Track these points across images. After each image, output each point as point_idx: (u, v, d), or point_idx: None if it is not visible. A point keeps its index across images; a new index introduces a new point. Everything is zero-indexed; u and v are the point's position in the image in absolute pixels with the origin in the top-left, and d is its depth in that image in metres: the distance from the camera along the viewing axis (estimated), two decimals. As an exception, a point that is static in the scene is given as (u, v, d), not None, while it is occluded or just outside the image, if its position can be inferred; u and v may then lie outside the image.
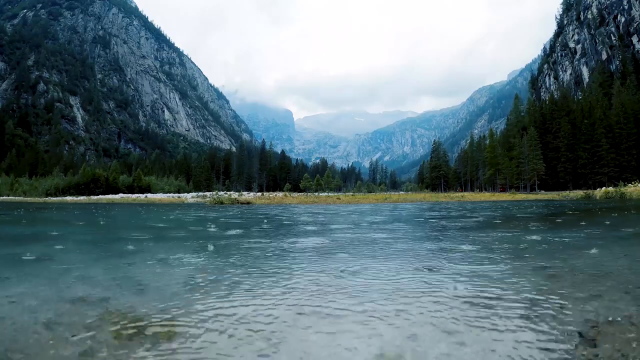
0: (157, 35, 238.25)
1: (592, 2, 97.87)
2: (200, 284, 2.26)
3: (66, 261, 3.20)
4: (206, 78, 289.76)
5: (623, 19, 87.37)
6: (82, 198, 38.62)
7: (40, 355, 1.25)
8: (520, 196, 32.91)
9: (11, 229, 7.12)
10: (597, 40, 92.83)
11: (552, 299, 1.85)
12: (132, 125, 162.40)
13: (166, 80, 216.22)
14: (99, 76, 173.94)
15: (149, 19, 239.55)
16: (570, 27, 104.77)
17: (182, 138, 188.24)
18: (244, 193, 41.21)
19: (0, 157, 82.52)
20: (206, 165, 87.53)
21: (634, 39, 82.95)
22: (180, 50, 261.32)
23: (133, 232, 6.40)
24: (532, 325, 1.46)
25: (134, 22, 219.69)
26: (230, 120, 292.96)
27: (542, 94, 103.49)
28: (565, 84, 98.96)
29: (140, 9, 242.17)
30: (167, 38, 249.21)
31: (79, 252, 3.95)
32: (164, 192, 56.24)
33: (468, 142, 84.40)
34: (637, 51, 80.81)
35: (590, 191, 28.39)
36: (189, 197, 34.73)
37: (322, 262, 2.98)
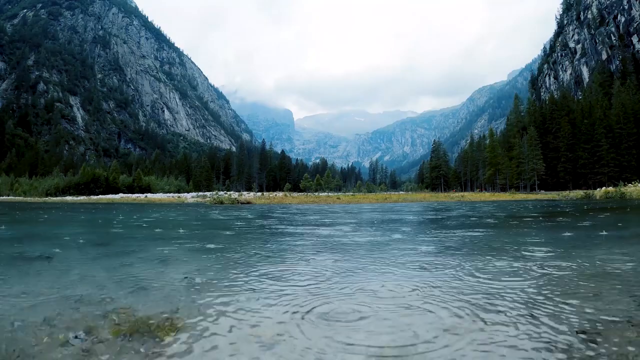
0: (157, 35, 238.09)
1: (592, 2, 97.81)
2: (201, 283, 2.27)
3: (66, 261, 3.20)
4: (206, 78, 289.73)
5: (623, 19, 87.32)
6: (82, 198, 38.62)
7: (40, 355, 1.24)
8: (520, 196, 32.91)
9: (11, 229, 7.12)
10: (597, 40, 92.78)
11: (552, 298, 1.84)
12: (132, 125, 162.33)
13: (166, 80, 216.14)
14: (99, 76, 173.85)
15: (149, 19, 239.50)
16: (570, 27, 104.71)
17: (182, 138, 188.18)
18: (244, 193, 41.22)
19: (0, 157, 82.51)
20: (206, 165, 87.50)
21: (634, 39, 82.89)
22: (180, 50, 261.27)
23: (132, 231, 6.40)
24: (532, 325, 1.46)
25: (134, 22, 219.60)
26: (230, 120, 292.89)
27: (542, 94, 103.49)
28: (565, 84, 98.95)
29: (140, 9, 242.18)
30: (167, 38, 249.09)
31: (78, 251, 3.95)
32: (164, 192, 56.22)
33: (468, 142, 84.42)
34: (637, 51, 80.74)
35: (590, 191, 28.37)
36: (189, 197, 34.71)
37: (322, 262, 2.98)
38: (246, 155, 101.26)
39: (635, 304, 1.73)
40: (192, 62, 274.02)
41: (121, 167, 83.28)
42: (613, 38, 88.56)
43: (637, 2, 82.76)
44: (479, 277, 2.35)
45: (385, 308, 1.73)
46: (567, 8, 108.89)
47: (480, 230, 5.84)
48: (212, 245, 4.18)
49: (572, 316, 1.57)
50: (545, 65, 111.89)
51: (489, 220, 8.10)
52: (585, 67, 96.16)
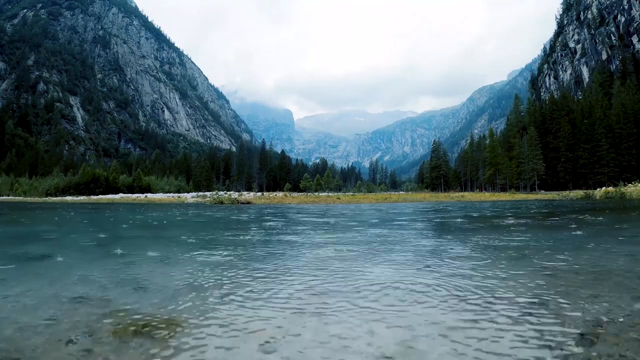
0: (157, 35, 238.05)
1: (592, 2, 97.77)
2: (200, 283, 2.27)
3: (66, 261, 3.20)
4: (206, 78, 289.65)
5: (623, 19, 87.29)
6: (82, 198, 38.64)
7: (40, 355, 1.24)
8: (520, 196, 32.92)
9: (11, 229, 7.12)
10: (597, 40, 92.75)
11: (552, 298, 1.84)
12: (132, 125, 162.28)
13: (166, 80, 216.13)
14: (99, 76, 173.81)
15: (149, 19, 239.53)
16: (570, 27, 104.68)
17: (182, 138, 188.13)
18: (244, 193, 41.21)
19: (0, 157, 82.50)
20: (206, 165, 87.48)
21: (634, 39, 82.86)
22: (180, 50, 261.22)
23: (133, 232, 6.40)
24: (532, 325, 1.46)
25: (134, 22, 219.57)
26: (230, 120, 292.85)
27: (542, 94, 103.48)
28: (565, 84, 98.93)
29: (140, 9, 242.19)
30: (167, 38, 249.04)
31: (78, 251, 3.95)
32: (164, 192, 56.23)
33: (468, 142, 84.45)
34: (637, 51, 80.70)
35: (590, 191, 28.35)
36: (189, 197, 34.70)
37: (322, 262, 2.98)
38: (246, 155, 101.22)
39: (635, 304, 1.73)
40: (192, 62, 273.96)
41: (121, 167, 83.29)
42: (613, 38, 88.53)
43: (637, 2, 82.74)
44: (479, 277, 2.35)
45: (386, 308, 1.74)
46: (567, 8, 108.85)
47: (481, 230, 5.84)
48: (211, 246, 4.18)
49: (572, 316, 1.57)
50: (545, 65, 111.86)
51: (489, 220, 8.10)
52: (585, 67, 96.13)
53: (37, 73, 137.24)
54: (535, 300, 1.82)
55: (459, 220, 8.04)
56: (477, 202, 21.11)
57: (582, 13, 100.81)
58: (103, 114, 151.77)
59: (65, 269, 2.83)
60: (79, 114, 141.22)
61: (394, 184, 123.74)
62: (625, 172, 50.09)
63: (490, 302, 1.78)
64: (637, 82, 67.07)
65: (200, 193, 45.67)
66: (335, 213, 11.24)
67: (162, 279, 2.39)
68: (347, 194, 50.85)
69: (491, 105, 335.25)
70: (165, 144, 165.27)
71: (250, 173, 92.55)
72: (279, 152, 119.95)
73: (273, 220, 8.33)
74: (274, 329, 1.46)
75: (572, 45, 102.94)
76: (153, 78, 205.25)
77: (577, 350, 1.24)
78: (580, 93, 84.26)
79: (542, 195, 34.72)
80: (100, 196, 41.11)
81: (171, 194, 44.75)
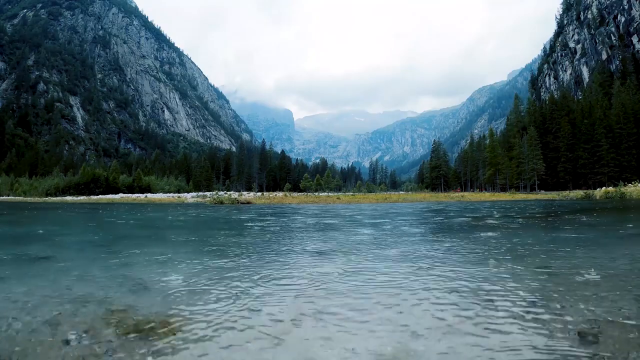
0: (157, 35, 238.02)
1: (592, 2, 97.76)
2: (200, 283, 2.27)
3: (66, 261, 3.20)
4: (206, 78, 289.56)
5: (623, 19, 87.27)
6: (82, 198, 38.60)
7: (40, 356, 1.24)
8: (520, 196, 32.91)
9: (11, 229, 7.12)
10: (597, 40, 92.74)
11: (552, 299, 1.84)
12: (132, 125, 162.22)
13: (166, 80, 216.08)
14: (99, 76, 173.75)
15: (149, 19, 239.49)
16: (570, 27, 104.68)
17: (182, 138, 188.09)
18: (244, 193, 41.21)
19: (0, 157, 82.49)
20: (206, 165, 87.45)
21: (634, 39, 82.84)
22: (180, 50, 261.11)
23: (132, 232, 6.40)
24: (533, 325, 1.46)
25: (134, 22, 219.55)
26: (230, 120, 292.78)
27: (542, 94, 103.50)
28: (565, 84, 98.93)
29: (140, 9, 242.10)
30: (167, 38, 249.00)
31: (78, 251, 3.95)
32: (164, 192, 56.21)
33: (468, 142, 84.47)
34: (637, 51, 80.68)
35: (590, 191, 28.33)
36: (189, 197, 34.68)
37: (322, 262, 2.98)
38: (246, 155, 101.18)
39: (636, 304, 1.73)
40: (192, 62, 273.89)
41: (121, 167, 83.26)
42: (613, 38, 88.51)
43: (637, 2, 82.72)
44: (479, 277, 2.34)
45: (386, 308, 1.74)
46: (567, 8, 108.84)
47: (481, 231, 5.84)
48: (211, 246, 4.18)
49: (572, 316, 1.57)
50: (545, 65, 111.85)
51: (489, 220, 8.10)
52: (585, 67, 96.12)
53: (37, 73, 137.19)
54: (535, 300, 1.82)
55: (458, 220, 8.04)
56: (477, 202, 21.10)
57: (582, 13, 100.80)
58: (103, 114, 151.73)
59: (65, 269, 2.83)
60: (79, 114, 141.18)
61: (394, 184, 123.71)
62: (625, 172, 50.07)
63: (490, 302, 1.78)
64: (637, 82, 67.03)
65: (200, 193, 45.65)
66: (335, 213, 11.24)
67: (161, 279, 2.39)
68: (347, 194, 50.81)
69: (491, 105, 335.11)
70: (165, 144, 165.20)
71: (250, 173, 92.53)
72: (279, 152, 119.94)
73: (273, 221, 8.33)
74: (274, 329, 1.46)
75: (572, 45, 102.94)
76: (153, 78, 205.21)
77: (577, 350, 1.24)
78: (580, 93, 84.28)
79: (542, 195, 34.71)
80: (100, 196, 41.09)
81: (171, 194, 44.73)
